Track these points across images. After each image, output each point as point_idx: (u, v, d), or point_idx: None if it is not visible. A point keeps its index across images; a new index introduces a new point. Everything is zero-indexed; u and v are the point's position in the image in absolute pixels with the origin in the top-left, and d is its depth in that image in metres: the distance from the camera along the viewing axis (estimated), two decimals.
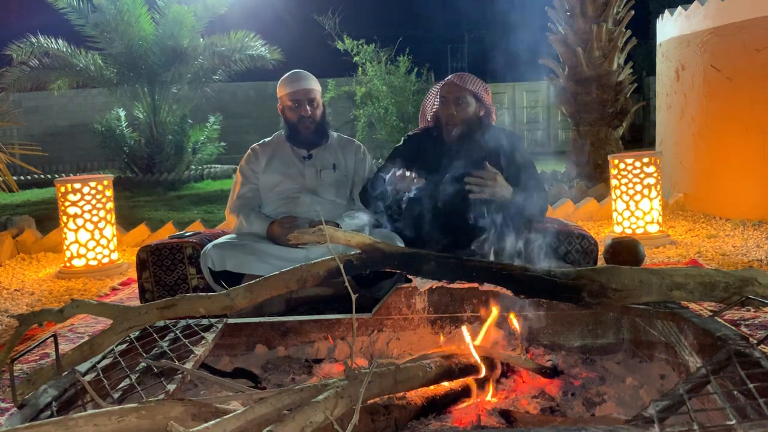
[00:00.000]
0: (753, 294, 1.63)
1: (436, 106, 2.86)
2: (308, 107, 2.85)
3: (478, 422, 1.69)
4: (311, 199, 2.81)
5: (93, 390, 1.31)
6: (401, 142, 2.93)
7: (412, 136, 2.93)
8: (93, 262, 4.29)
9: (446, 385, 1.82)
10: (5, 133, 12.57)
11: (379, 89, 12.81)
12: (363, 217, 2.80)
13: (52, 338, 1.58)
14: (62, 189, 4.25)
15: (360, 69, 13.18)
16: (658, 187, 4.57)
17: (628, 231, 4.54)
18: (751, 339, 1.53)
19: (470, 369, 1.89)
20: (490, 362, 1.96)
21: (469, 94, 2.75)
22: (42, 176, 10.30)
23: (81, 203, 4.23)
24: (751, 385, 1.22)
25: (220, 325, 2.03)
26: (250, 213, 2.79)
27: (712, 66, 5.31)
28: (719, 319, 1.69)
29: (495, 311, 2.09)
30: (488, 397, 1.89)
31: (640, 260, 3.16)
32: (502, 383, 1.98)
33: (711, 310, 2.51)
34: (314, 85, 2.90)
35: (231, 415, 1.12)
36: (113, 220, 4.43)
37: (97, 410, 1.14)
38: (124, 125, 11.02)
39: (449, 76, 2.80)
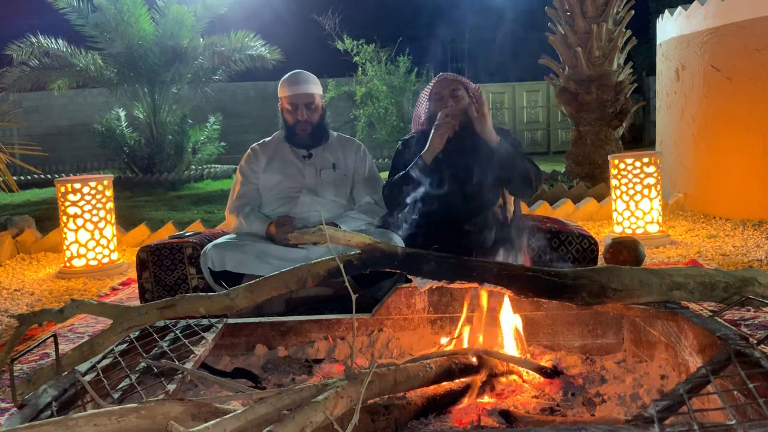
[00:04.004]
0: (753, 294, 1.63)
1: (429, 108, 2.87)
2: (305, 112, 2.85)
3: (478, 422, 1.69)
4: (311, 199, 2.81)
5: (93, 390, 1.31)
6: (400, 146, 2.93)
7: (407, 140, 2.94)
8: (93, 262, 4.29)
9: (446, 385, 1.82)
10: (5, 133, 12.58)
11: (379, 89, 12.83)
12: (364, 218, 2.80)
13: (52, 338, 1.58)
14: (62, 189, 4.25)
15: (360, 69, 13.20)
16: (658, 187, 4.57)
17: (628, 231, 4.54)
18: (751, 339, 1.52)
19: (470, 369, 1.89)
20: (489, 362, 1.96)
21: (461, 86, 2.78)
22: (42, 176, 10.30)
23: (81, 203, 4.23)
24: (751, 385, 1.22)
25: (220, 325, 2.03)
26: (250, 213, 2.79)
27: (712, 66, 5.31)
28: (719, 319, 1.69)
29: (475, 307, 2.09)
30: (488, 398, 1.89)
31: (640, 260, 3.16)
32: (502, 383, 1.98)
33: (711, 310, 2.51)
34: (313, 88, 2.89)
35: (231, 415, 1.12)
36: (113, 220, 4.43)
37: (97, 410, 1.14)
38: (124, 125, 11.02)
39: (437, 76, 2.84)
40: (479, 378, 1.90)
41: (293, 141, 2.92)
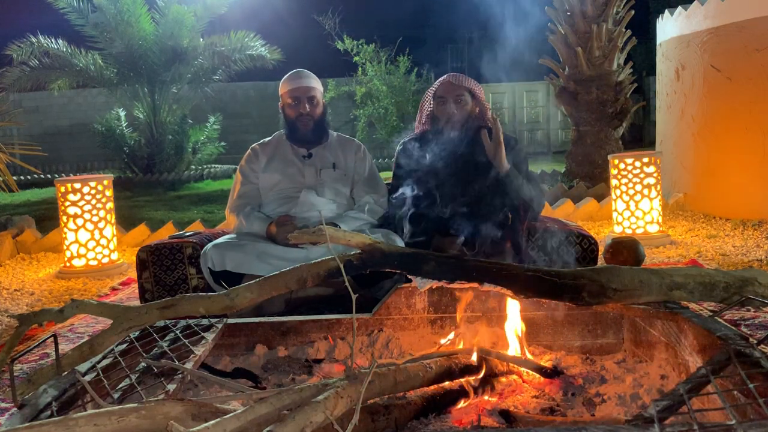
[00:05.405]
0: (753, 294, 1.63)
1: (431, 108, 2.86)
2: (307, 105, 2.86)
3: (478, 422, 1.70)
4: (311, 199, 2.81)
5: (93, 390, 1.31)
6: (401, 148, 2.93)
7: (407, 142, 2.94)
8: (93, 262, 4.29)
9: (446, 385, 1.82)
10: (5, 133, 12.57)
11: (379, 89, 12.83)
12: (364, 217, 2.80)
13: (52, 338, 1.58)
14: (62, 189, 4.25)
15: (360, 69, 13.19)
16: (658, 187, 4.57)
17: (628, 231, 4.54)
18: (751, 339, 1.53)
19: (470, 369, 1.89)
20: (490, 362, 1.96)
21: (465, 91, 2.76)
22: (42, 176, 10.30)
23: (81, 203, 4.23)
24: (751, 385, 1.22)
25: (220, 325, 2.03)
26: (250, 213, 2.79)
27: (712, 66, 5.31)
28: (719, 319, 1.69)
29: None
30: (488, 398, 1.89)
31: (640, 260, 3.15)
32: (502, 383, 1.98)
33: (711, 310, 2.51)
34: (315, 84, 2.90)
35: (231, 415, 1.12)
36: (113, 220, 4.43)
37: (97, 410, 1.14)
38: (124, 125, 11.02)
39: (443, 77, 2.82)
40: (480, 378, 1.89)
41: (295, 137, 2.92)
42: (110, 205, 4.37)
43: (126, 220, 6.00)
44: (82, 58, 10.49)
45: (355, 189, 2.95)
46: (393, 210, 2.82)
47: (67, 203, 4.23)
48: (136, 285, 3.37)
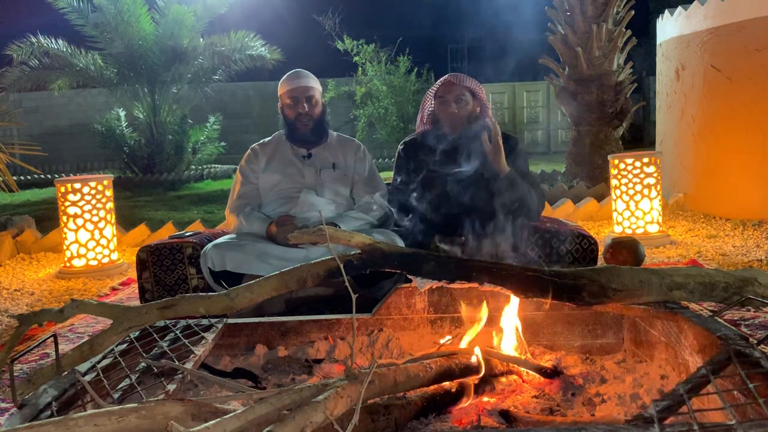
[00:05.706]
0: (753, 294, 1.63)
1: (432, 108, 2.87)
2: (306, 105, 2.85)
3: (478, 422, 1.70)
4: (311, 199, 2.81)
5: (93, 390, 1.31)
6: (402, 148, 2.93)
7: (408, 141, 2.94)
8: (93, 262, 4.29)
9: (446, 385, 1.82)
10: (5, 133, 12.57)
11: (379, 89, 12.83)
12: (364, 217, 2.80)
13: (52, 338, 1.58)
14: (62, 189, 4.25)
15: (360, 69, 13.20)
16: (658, 187, 4.57)
17: (628, 231, 4.54)
18: (751, 339, 1.53)
19: (470, 369, 1.89)
20: (490, 362, 1.96)
21: (466, 90, 2.76)
22: (42, 176, 10.29)
23: (81, 203, 4.23)
24: (751, 385, 1.22)
25: (220, 325, 2.03)
26: (250, 213, 2.79)
27: (712, 66, 5.31)
28: (719, 319, 1.69)
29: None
30: (488, 398, 1.89)
31: (640, 260, 3.15)
32: (502, 383, 1.98)
33: (711, 310, 2.51)
34: (313, 83, 2.90)
35: (231, 415, 1.12)
36: (113, 220, 4.43)
37: (97, 410, 1.14)
38: (124, 125, 11.03)
39: (444, 77, 2.82)
40: (480, 378, 1.89)
41: (294, 137, 2.92)
42: (110, 205, 4.37)
43: (126, 220, 6.00)
44: (82, 58, 10.49)
45: (355, 189, 2.95)
46: (393, 210, 2.82)
47: (67, 203, 4.23)
48: (136, 285, 3.37)
